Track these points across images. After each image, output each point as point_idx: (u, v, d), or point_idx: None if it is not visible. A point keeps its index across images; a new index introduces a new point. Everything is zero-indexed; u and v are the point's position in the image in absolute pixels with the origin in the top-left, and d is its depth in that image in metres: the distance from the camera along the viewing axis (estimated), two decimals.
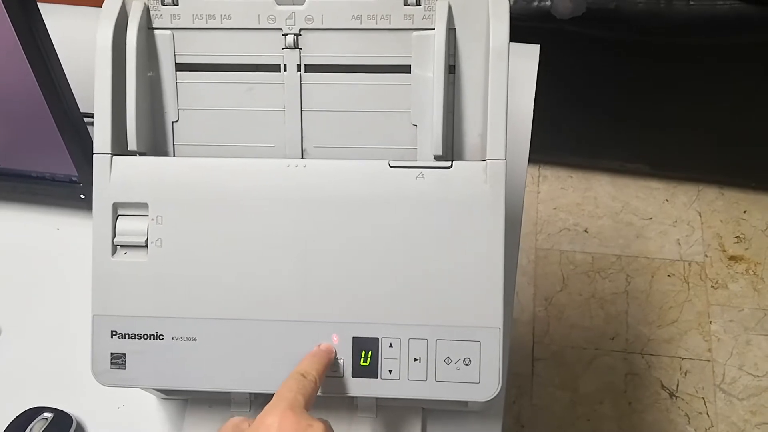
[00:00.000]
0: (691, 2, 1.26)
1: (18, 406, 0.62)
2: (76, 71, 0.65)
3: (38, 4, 0.59)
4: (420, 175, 0.52)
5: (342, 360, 0.52)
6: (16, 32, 0.59)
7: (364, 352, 0.52)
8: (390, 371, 0.52)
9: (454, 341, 0.52)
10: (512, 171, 0.53)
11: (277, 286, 0.52)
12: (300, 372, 0.50)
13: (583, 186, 1.69)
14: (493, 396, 0.52)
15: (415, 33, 0.53)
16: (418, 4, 0.53)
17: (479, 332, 0.51)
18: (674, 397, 1.40)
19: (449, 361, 0.52)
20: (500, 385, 0.52)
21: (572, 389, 1.42)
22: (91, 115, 0.54)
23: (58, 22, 0.66)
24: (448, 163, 0.52)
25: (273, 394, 0.49)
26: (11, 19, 0.58)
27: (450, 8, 0.53)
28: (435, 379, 0.52)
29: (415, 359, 0.52)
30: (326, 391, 0.52)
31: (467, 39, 0.53)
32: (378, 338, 0.52)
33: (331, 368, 0.52)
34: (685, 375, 1.43)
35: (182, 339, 0.53)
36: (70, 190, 0.71)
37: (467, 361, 0.52)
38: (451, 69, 0.53)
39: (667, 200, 1.66)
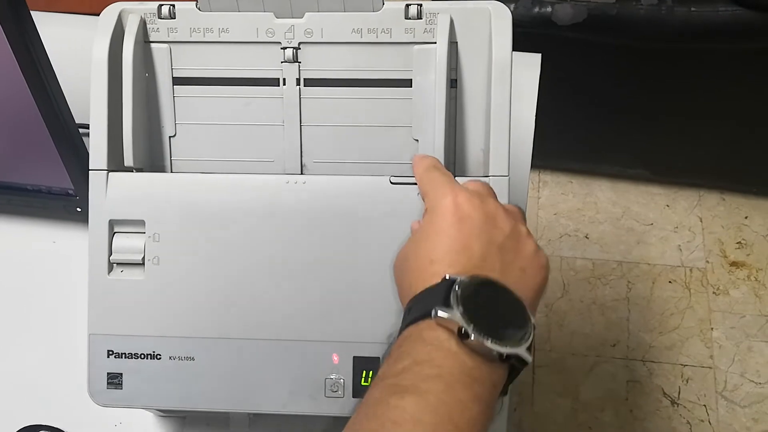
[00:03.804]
0: (693, 8, 1.25)
1: (13, 424, 0.61)
2: (70, 80, 0.64)
3: (31, 12, 0.58)
4: None
5: (342, 380, 0.51)
6: (9, 41, 0.58)
7: (364, 371, 0.51)
8: None
9: None
10: (514, 182, 0.52)
11: (276, 304, 0.51)
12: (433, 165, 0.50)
13: (583, 191, 1.68)
14: (497, 412, 0.51)
15: (417, 47, 0.52)
16: (420, 17, 0.52)
17: None
18: (676, 405, 1.39)
19: None
20: (502, 402, 0.51)
21: (573, 397, 1.41)
22: (86, 126, 0.53)
23: (51, 30, 0.65)
24: None
25: (271, 414, 0.48)
26: (4, 28, 0.57)
27: (452, 22, 0.52)
28: None
29: None
30: (326, 412, 0.51)
31: (469, 53, 0.52)
32: (379, 357, 0.51)
33: (331, 388, 0.51)
34: (687, 382, 1.42)
35: (180, 358, 0.52)
36: (66, 203, 0.70)
37: None
38: (453, 83, 0.52)
39: (668, 206, 1.65)
